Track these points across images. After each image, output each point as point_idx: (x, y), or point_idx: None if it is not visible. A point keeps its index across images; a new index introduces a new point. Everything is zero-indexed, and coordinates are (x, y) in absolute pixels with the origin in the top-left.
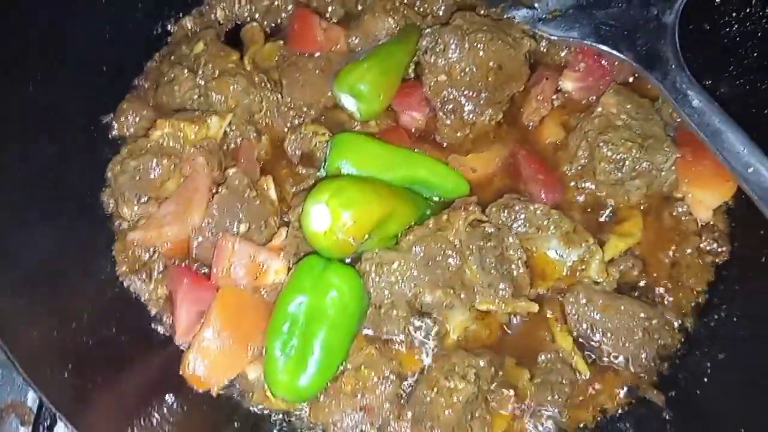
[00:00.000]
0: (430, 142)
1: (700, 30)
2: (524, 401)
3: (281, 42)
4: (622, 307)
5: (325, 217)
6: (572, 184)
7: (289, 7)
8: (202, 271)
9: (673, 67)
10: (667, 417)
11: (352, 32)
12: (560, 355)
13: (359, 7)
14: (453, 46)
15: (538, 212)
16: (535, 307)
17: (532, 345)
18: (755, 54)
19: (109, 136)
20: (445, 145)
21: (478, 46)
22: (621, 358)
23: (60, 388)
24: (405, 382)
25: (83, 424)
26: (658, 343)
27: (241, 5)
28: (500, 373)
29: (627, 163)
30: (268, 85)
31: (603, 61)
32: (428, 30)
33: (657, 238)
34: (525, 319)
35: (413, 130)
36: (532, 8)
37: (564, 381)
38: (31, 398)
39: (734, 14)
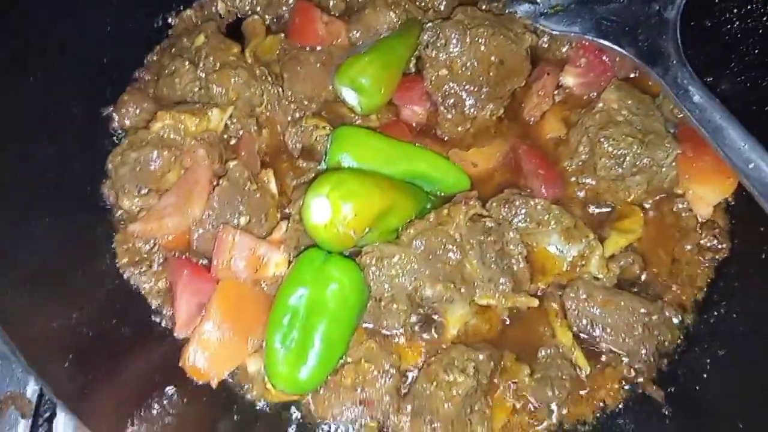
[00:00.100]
0: (431, 136)
1: (701, 27)
2: (524, 396)
3: (282, 35)
4: (622, 303)
5: (325, 210)
6: (573, 179)
7: (291, 1)
8: (203, 264)
9: (674, 62)
10: (667, 413)
11: (353, 26)
12: (560, 350)
13: (360, 1)
14: (454, 41)
15: (539, 207)
16: (535, 302)
17: (532, 340)
18: (756, 51)
19: (110, 128)
20: (446, 139)
21: (480, 40)
22: (621, 354)
23: (61, 378)
24: (405, 376)
25: (84, 413)
26: (657, 339)
27: None
28: (500, 367)
29: (628, 158)
30: (269, 79)
31: (604, 57)
32: (430, 24)
33: (657, 234)
34: (525, 314)
35: (414, 124)
36: (534, 3)
37: (564, 376)
38: (31, 390)
39: (735, 11)
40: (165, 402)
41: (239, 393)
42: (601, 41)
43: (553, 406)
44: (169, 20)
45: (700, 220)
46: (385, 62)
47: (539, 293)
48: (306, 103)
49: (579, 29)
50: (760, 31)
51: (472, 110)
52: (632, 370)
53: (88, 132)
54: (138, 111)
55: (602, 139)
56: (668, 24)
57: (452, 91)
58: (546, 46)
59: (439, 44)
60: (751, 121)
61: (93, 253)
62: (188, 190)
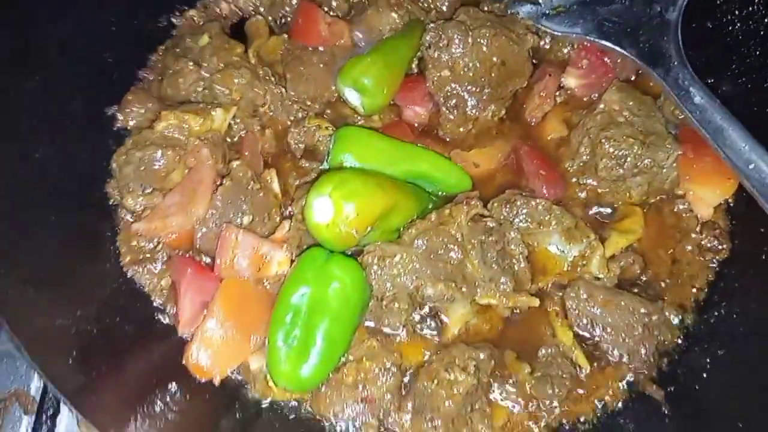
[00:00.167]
0: (433, 137)
1: (702, 29)
2: (524, 394)
3: (285, 36)
4: (623, 303)
5: (328, 209)
6: (574, 180)
7: (294, 1)
8: (206, 262)
9: (675, 64)
10: (666, 412)
11: (355, 27)
12: (560, 349)
13: (363, 2)
14: (457, 42)
15: (540, 208)
16: (536, 302)
17: (532, 339)
18: (757, 53)
19: (114, 127)
20: (447, 140)
21: (482, 41)
22: (621, 353)
23: (65, 375)
24: (406, 374)
25: (87, 410)
26: (657, 338)
27: None
28: (501, 366)
29: (629, 159)
30: (272, 79)
31: (606, 58)
32: (432, 25)
33: (658, 234)
34: (526, 314)
35: (416, 124)
36: (536, 4)
37: (564, 375)
38: (35, 387)
39: (736, 13)
40: (168, 399)
41: (241, 390)
42: (603, 42)
43: (554, 405)
44: (173, 20)
45: (700, 220)
46: (387, 63)
47: (540, 293)
48: (309, 103)
49: (581, 30)
50: (762, 33)
51: (473, 111)
52: (632, 369)
53: (92, 131)
54: (142, 111)
55: (603, 140)
56: (669, 25)
57: (454, 92)
58: (548, 47)
59: (441, 45)
60: (751, 122)
61: (97, 251)
62: (192, 189)
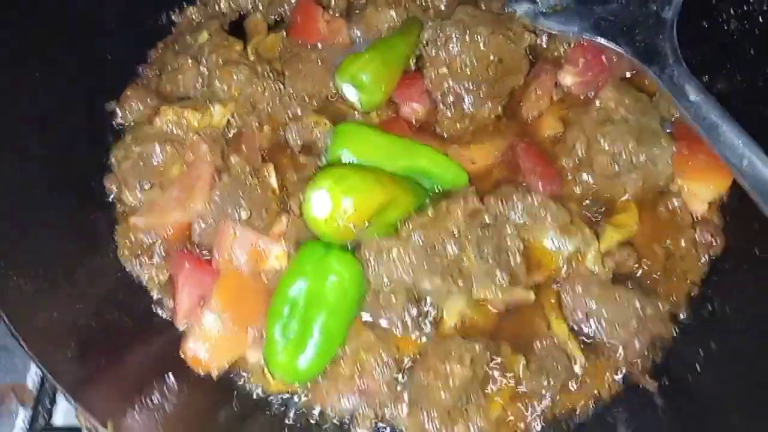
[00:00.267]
0: (431, 133)
1: (698, 27)
2: (519, 387)
3: (284, 33)
4: (617, 297)
5: (326, 204)
6: (570, 176)
7: None
8: (204, 257)
9: (671, 62)
10: (660, 404)
11: (354, 24)
12: (555, 342)
13: (362, 0)
14: (454, 40)
15: (536, 203)
16: (532, 296)
17: (528, 333)
18: (752, 51)
19: (114, 123)
20: (445, 136)
21: (479, 39)
22: (615, 346)
23: (64, 367)
24: (402, 367)
25: (87, 402)
26: (652, 332)
27: None
28: (496, 358)
29: (624, 156)
30: (271, 76)
31: (602, 57)
32: (430, 23)
33: (652, 230)
34: (521, 307)
35: (414, 121)
36: (533, 3)
37: (559, 368)
38: (32, 380)
39: (732, 12)
40: (166, 391)
41: (239, 383)
42: (599, 40)
43: (548, 397)
44: (173, 17)
45: (694, 216)
46: (385, 60)
47: (536, 287)
48: (307, 100)
49: (577, 29)
50: (756, 31)
51: (471, 108)
52: (626, 362)
53: (91, 126)
54: (141, 106)
55: (599, 137)
56: (665, 24)
57: (452, 89)
58: (545, 45)
59: (439, 43)
60: (746, 119)
61: (95, 245)
62: (190, 184)
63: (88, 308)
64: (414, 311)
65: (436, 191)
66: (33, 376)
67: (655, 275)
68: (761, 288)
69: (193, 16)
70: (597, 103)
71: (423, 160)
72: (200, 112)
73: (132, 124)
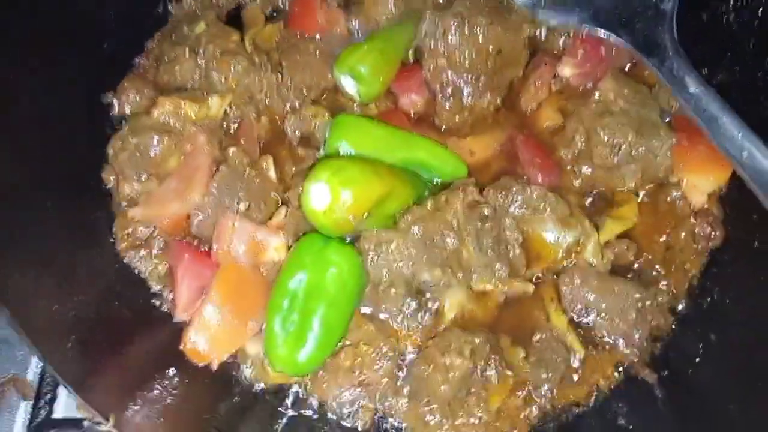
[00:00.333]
0: (429, 125)
1: (698, 18)
2: (519, 379)
3: (282, 24)
4: (617, 289)
5: (324, 196)
6: (569, 168)
7: None
8: (202, 248)
9: (670, 53)
10: (659, 396)
11: (352, 15)
12: (555, 334)
13: None
14: (453, 31)
15: (535, 195)
16: (531, 288)
17: (527, 325)
18: (752, 43)
19: (111, 114)
20: (443, 128)
21: (478, 31)
22: (615, 338)
23: (65, 360)
24: (402, 359)
25: (87, 394)
26: (651, 323)
27: None
28: (496, 350)
29: (623, 147)
30: (269, 67)
31: (601, 48)
32: (428, 14)
33: (652, 221)
34: (520, 299)
35: (412, 113)
36: None
37: (558, 359)
38: (32, 373)
39: (731, 3)
40: (166, 383)
41: (239, 375)
42: (599, 32)
43: (548, 388)
44: (169, 7)
45: (694, 208)
46: (383, 51)
47: (535, 279)
48: (305, 91)
49: (576, 20)
50: (756, 23)
51: (469, 99)
52: (626, 353)
53: (88, 118)
54: (138, 97)
55: (598, 129)
56: (665, 15)
57: (450, 81)
58: (544, 36)
59: (437, 34)
60: (746, 111)
61: (94, 237)
62: (188, 175)
63: (87, 301)
64: (414, 303)
65: (435, 183)
66: (33, 368)
67: (654, 267)
68: (761, 279)
69: (190, 7)
70: (596, 94)
71: (422, 151)
72: (198, 103)
73: (129, 115)
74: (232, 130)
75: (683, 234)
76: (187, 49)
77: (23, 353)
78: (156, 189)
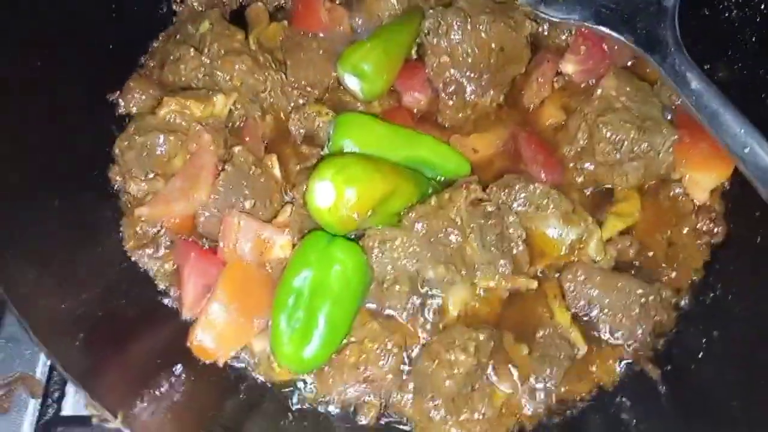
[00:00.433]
0: (432, 122)
1: (699, 15)
2: (523, 375)
3: (285, 22)
4: (620, 285)
5: (329, 194)
6: (572, 165)
7: None
8: (209, 246)
9: (672, 50)
10: (663, 391)
11: (355, 13)
12: (558, 330)
13: None
14: (456, 28)
15: (538, 192)
16: (534, 284)
17: (530, 321)
18: (753, 39)
19: (116, 113)
20: (446, 125)
21: (481, 27)
22: (618, 334)
23: (72, 357)
24: (407, 355)
25: (95, 392)
26: (654, 319)
27: None
28: (500, 347)
29: (625, 144)
30: (273, 65)
31: (603, 45)
32: (431, 11)
33: (654, 218)
34: (524, 296)
35: (416, 110)
36: None
37: (562, 356)
38: (40, 371)
39: (733, 0)
40: (173, 381)
41: (245, 372)
42: (600, 28)
43: (551, 384)
44: (174, 7)
45: (696, 204)
46: (387, 49)
47: (538, 275)
48: (309, 89)
49: (578, 17)
50: (758, 19)
51: (472, 97)
52: (629, 349)
53: (94, 118)
54: (144, 97)
55: (601, 126)
56: (667, 12)
57: (453, 78)
58: (546, 33)
59: (440, 31)
60: (747, 107)
61: (101, 236)
62: (194, 174)
63: (94, 299)
64: (418, 300)
65: (439, 181)
66: (41, 366)
67: (656, 263)
68: (763, 275)
69: (194, 6)
70: (598, 91)
71: (425, 149)
72: (203, 102)
73: (135, 114)
74: (237, 129)
75: (685, 230)
76: (191, 48)
77: (31, 351)
78: (162, 188)
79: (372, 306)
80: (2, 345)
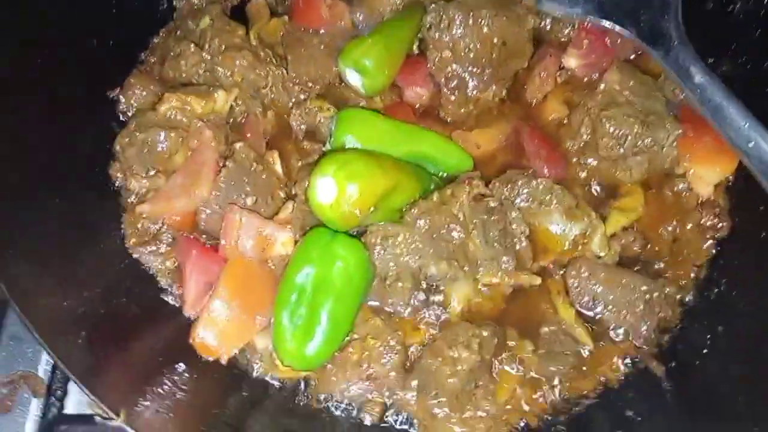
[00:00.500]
0: (435, 117)
1: (703, 8)
2: (527, 372)
3: (286, 18)
4: (624, 280)
5: (331, 190)
6: (575, 160)
7: None
8: (210, 243)
9: (675, 43)
10: (667, 387)
11: (356, 8)
12: (562, 327)
13: None
14: (457, 23)
15: (541, 187)
16: (538, 280)
17: (534, 317)
18: (757, 32)
19: (117, 110)
20: (449, 120)
21: (483, 22)
22: (622, 330)
23: (75, 355)
24: (410, 352)
25: (97, 390)
26: (658, 315)
27: None
28: (503, 343)
29: (629, 139)
30: (274, 61)
31: (606, 39)
32: (433, 6)
33: (658, 213)
34: (527, 292)
35: (418, 105)
36: None
37: (566, 352)
38: (43, 370)
39: None
40: (176, 378)
41: (248, 369)
42: (603, 22)
43: (556, 381)
44: (174, 3)
45: (700, 199)
46: (388, 44)
47: (542, 272)
48: (310, 85)
49: (581, 10)
50: (762, 12)
51: (474, 92)
52: (634, 345)
53: (95, 116)
54: (144, 93)
55: (604, 120)
56: (670, 5)
57: (455, 73)
58: (548, 27)
59: (442, 26)
60: (752, 101)
61: (102, 233)
62: (195, 171)
63: (96, 297)
64: (420, 297)
65: (441, 176)
66: (44, 365)
67: (661, 258)
68: None
69: (195, 2)
70: (601, 85)
71: (427, 145)
72: (204, 98)
73: (136, 111)
74: (238, 125)
75: (690, 225)
76: (192, 44)
77: (33, 350)
78: (163, 185)
79: (374, 303)
80: (4, 344)
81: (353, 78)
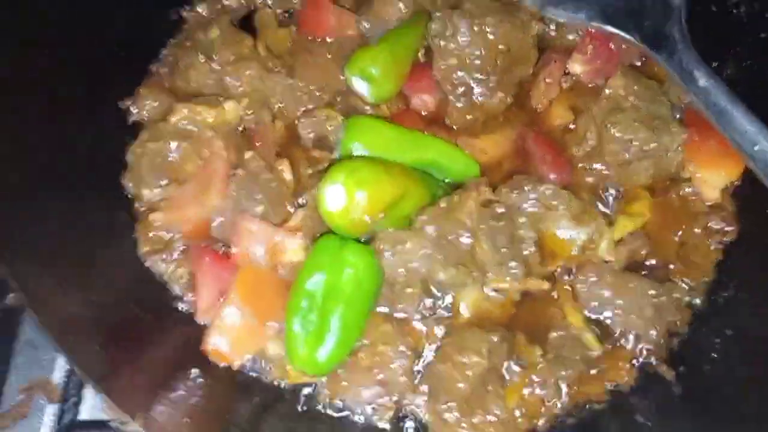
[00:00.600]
0: (441, 124)
1: (707, 12)
2: (536, 377)
3: (293, 27)
4: (632, 285)
5: (340, 197)
6: (581, 165)
7: None
8: (222, 251)
9: (679, 47)
10: (677, 392)
11: (363, 17)
12: (571, 332)
13: None
14: (462, 30)
15: (548, 193)
16: (546, 285)
17: (543, 322)
18: (762, 36)
19: (128, 121)
20: (455, 127)
21: (488, 29)
22: (631, 335)
23: (92, 361)
24: (420, 358)
25: (115, 395)
26: (667, 320)
27: None
28: (512, 348)
29: (635, 144)
30: (282, 70)
31: (611, 44)
32: (438, 14)
33: (665, 217)
34: (536, 297)
35: (424, 113)
36: None
37: (575, 357)
38: (58, 376)
39: None
40: (190, 384)
41: (260, 375)
42: (607, 27)
43: (565, 386)
44: (183, 14)
45: (707, 203)
46: (394, 52)
47: (550, 277)
48: (318, 93)
49: (584, 16)
50: (766, 16)
51: (480, 98)
52: (643, 350)
53: (107, 125)
54: (155, 104)
55: (609, 126)
56: (673, 9)
57: (461, 80)
58: (553, 33)
59: (447, 34)
60: (757, 104)
61: (116, 241)
62: (206, 180)
63: (111, 303)
64: (429, 302)
65: (449, 183)
66: (58, 372)
67: (668, 263)
68: None
69: (203, 13)
70: (606, 91)
71: (434, 152)
72: (214, 108)
73: (147, 121)
74: (248, 135)
75: (697, 229)
76: (201, 55)
77: (48, 357)
78: (175, 194)
79: (384, 309)
80: (20, 351)
81: (360, 86)
